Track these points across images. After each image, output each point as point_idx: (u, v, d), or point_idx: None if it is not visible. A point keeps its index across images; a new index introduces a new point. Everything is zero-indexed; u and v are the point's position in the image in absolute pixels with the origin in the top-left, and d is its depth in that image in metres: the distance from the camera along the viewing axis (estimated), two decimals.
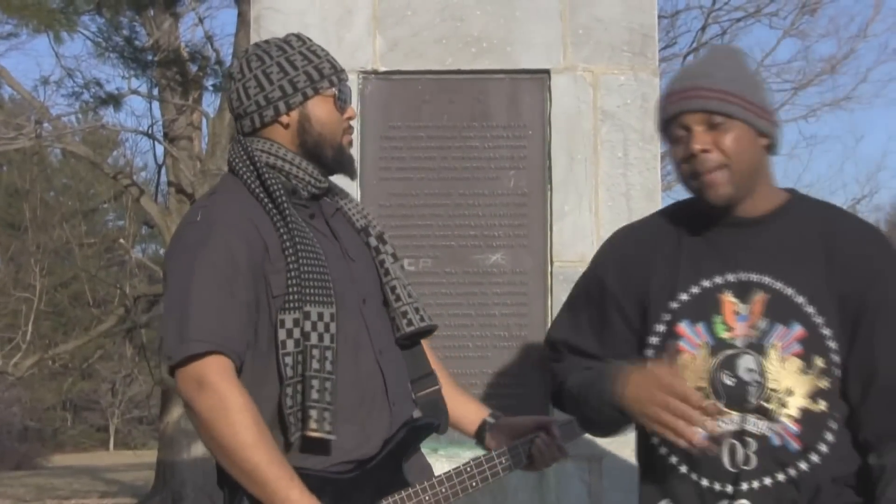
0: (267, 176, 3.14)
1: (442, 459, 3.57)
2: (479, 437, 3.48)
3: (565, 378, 3.15)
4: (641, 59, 4.91)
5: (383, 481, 3.13)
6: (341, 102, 3.24)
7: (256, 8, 5.03)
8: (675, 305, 2.96)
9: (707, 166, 2.87)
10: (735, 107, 2.89)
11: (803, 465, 2.87)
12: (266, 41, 3.24)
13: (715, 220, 2.98)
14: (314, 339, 3.02)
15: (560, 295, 4.79)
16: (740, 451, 2.87)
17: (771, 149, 3.01)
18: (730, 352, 2.90)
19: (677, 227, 3.06)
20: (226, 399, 2.91)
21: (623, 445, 4.53)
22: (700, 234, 3.00)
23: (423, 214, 4.94)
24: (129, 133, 21.28)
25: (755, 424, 2.87)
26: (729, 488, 2.86)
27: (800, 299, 2.89)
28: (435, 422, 3.29)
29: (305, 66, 3.20)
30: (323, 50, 3.26)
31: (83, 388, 32.58)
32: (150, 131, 18.44)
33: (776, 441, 2.87)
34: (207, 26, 15.97)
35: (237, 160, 3.20)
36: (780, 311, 2.89)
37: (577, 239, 4.87)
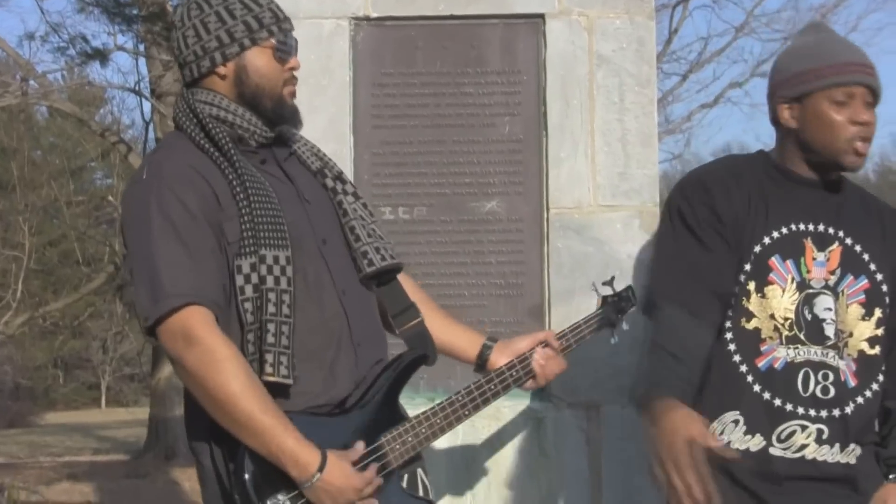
0: (211, 126, 3.10)
1: (420, 408, 3.54)
2: (481, 360, 3.48)
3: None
4: (637, 3, 4.85)
5: (378, 420, 3.13)
6: (281, 53, 3.18)
7: None
8: (767, 240, 3.26)
9: (867, 136, 3.25)
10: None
11: (860, 400, 3.26)
12: None
13: (792, 178, 3.33)
14: (270, 282, 3.00)
15: (556, 242, 4.77)
16: (812, 379, 3.22)
17: None
18: (810, 290, 3.24)
19: (758, 175, 3.35)
20: (214, 350, 2.90)
21: (621, 394, 4.51)
22: (780, 186, 3.32)
23: (417, 162, 4.89)
24: (116, 90, 21.16)
25: (833, 358, 3.23)
26: (800, 410, 3.20)
27: (866, 256, 3.32)
28: (423, 354, 3.30)
29: (245, 14, 3.15)
30: None
31: (74, 347, 32.61)
32: (137, 88, 18.34)
33: (841, 376, 3.24)
34: None
35: (181, 114, 3.16)
36: (851, 263, 3.29)
37: (573, 185, 4.82)
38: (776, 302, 3.25)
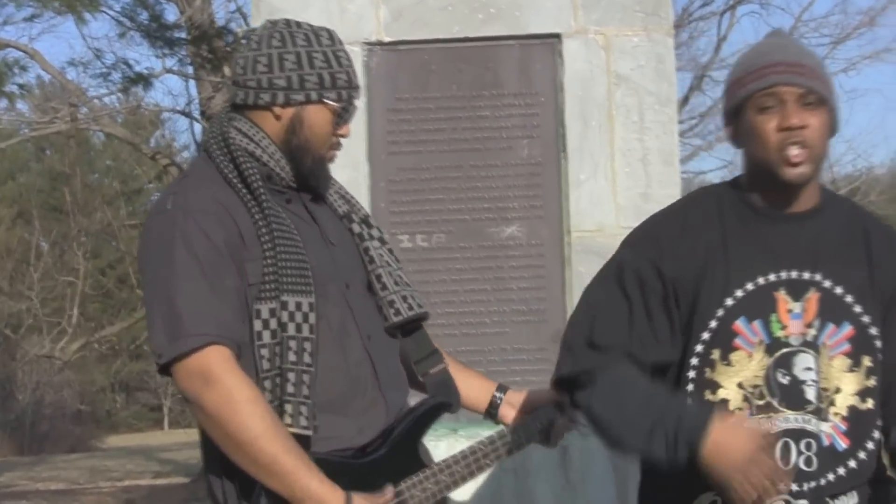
0: (242, 160, 3.01)
1: (462, 440, 3.46)
2: (491, 412, 3.40)
3: (601, 378, 2.93)
4: (655, 20, 4.76)
5: (401, 465, 3.04)
6: (338, 119, 3.09)
7: None
8: (730, 301, 2.88)
9: (798, 142, 2.84)
10: (829, 93, 2.90)
11: (852, 464, 2.90)
12: (298, 24, 3.07)
13: (761, 212, 2.95)
14: (291, 329, 2.90)
15: (578, 266, 4.70)
16: (794, 450, 2.85)
17: None
18: (785, 350, 2.87)
19: (720, 216, 2.98)
20: (233, 391, 2.81)
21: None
22: (746, 226, 2.95)
23: (434, 188, 4.83)
24: (169, 112, 21.31)
25: (814, 424, 2.87)
26: (781, 486, 2.79)
27: (848, 298, 2.90)
28: (447, 401, 3.20)
29: (323, 68, 3.04)
30: (348, 59, 3.08)
31: (133, 369, 32.83)
32: (187, 110, 18.43)
33: (825, 441, 2.87)
34: (240, 1, 15.82)
35: (212, 141, 3.06)
36: (831, 310, 2.89)
37: (593, 207, 4.75)
38: (743, 369, 2.88)
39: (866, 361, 2.90)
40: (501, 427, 3.31)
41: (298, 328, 2.90)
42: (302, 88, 3.02)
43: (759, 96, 2.88)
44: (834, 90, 2.94)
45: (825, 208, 2.98)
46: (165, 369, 2.89)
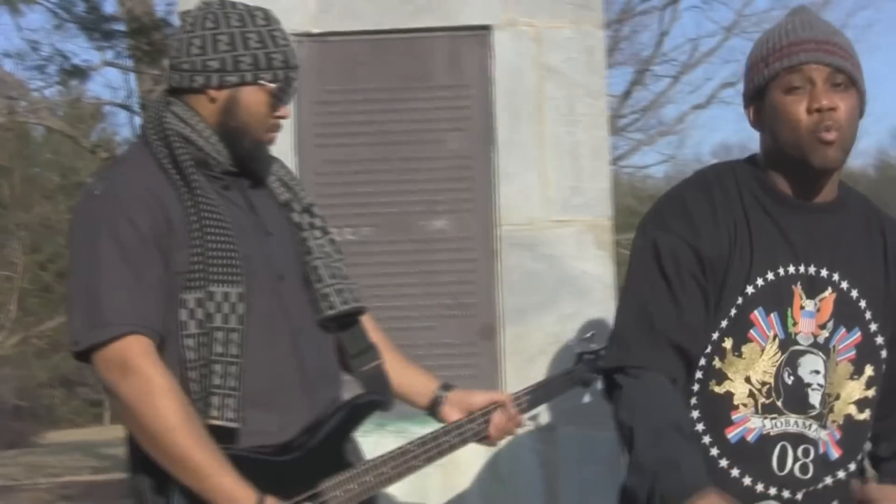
0: (176, 145, 2.94)
1: (389, 436, 3.41)
2: (432, 409, 3.34)
3: (630, 385, 2.74)
4: (585, 12, 4.73)
5: (324, 464, 2.98)
6: (276, 100, 3.02)
7: None
8: (750, 290, 2.73)
9: (831, 124, 2.67)
10: (859, 73, 2.73)
11: (841, 474, 2.78)
12: (233, 4, 3.01)
13: (783, 200, 2.79)
14: (218, 320, 2.85)
15: (508, 260, 4.66)
16: (791, 455, 2.73)
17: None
18: (795, 348, 2.73)
19: (741, 200, 2.81)
20: (151, 382, 2.76)
21: (576, 415, 4.39)
22: (767, 213, 2.78)
23: (363, 181, 4.78)
24: (109, 106, 21.06)
25: (815, 431, 2.75)
26: (772, 490, 2.73)
27: (862, 303, 2.77)
28: (379, 398, 3.14)
29: (258, 48, 2.97)
30: (286, 39, 3.03)
31: (73, 365, 32.35)
32: (127, 103, 18.21)
33: (821, 448, 2.75)
34: None
35: (148, 126, 3.00)
36: (844, 313, 2.75)
37: (523, 201, 4.72)
38: (754, 363, 2.73)
39: (868, 371, 2.78)
40: (437, 426, 3.26)
41: (226, 319, 2.86)
42: (236, 70, 2.96)
43: (785, 75, 2.71)
44: (862, 72, 2.76)
45: (845, 203, 2.82)
46: (83, 356, 2.83)
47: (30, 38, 15.68)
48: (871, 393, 2.78)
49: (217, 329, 2.84)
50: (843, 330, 2.74)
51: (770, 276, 2.73)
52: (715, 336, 2.73)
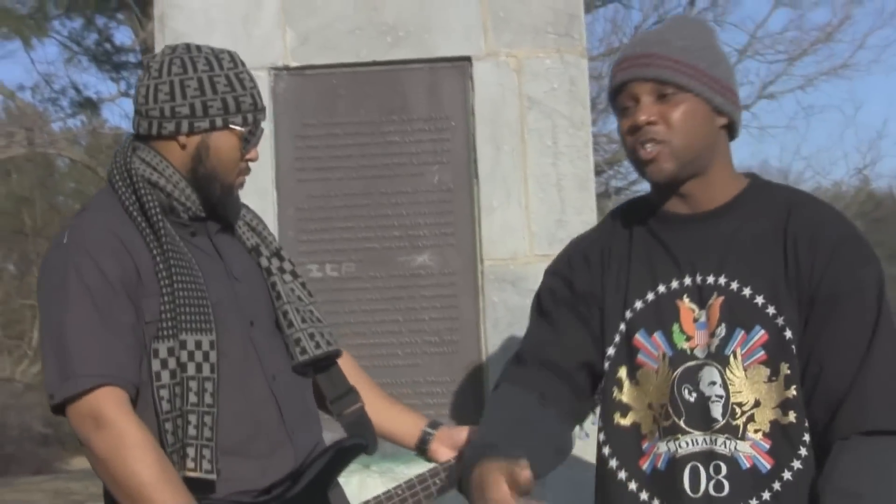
0: (144, 192, 2.89)
1: (374, 475, 3.34)
2: (420, 448, 3.27)
3: (492, 396, 2.92)
4: (567, 41, 4.64)
5: None
6: (245, 143, 2.97)
7: (160, 6, 4.78)
8: (629, 314, 2.71)
9: (648, 139, 2.63)
10: (688, 77, 2.64)
11: (776, 486, 2.59)
12: (198, 48, 2.96)
13: (667, 217, 2.74)
14: (191, 369, 2.79)
15: (492, 295, 4.58)
16: (704, 475, 2.60)
17: (730, 130, 2.75)
18: (690, 363, 2.63)
19: (629, 227, 2.80)
20: (125, 435, 2.71)
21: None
22: (653, 234, 2.75)
23: (343, 216, 4.71)
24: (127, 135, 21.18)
25: (724, 445, 2.60)
26: None
27: (759, 300, 2.62)
28: (363, 442, 3.07)
29: (226, 92, 2.92)
30: (252, 81, 2.99)
31: None
32: None
33: (746, 463, 2.59)
34: None
35: (115, 172, 2.96)
36: (738, 314, 2.62)
37: (507, 235, 4.63)
38: (650, 387, 2.67)
39: (785, 369, 2.59)
40: (422, 465, 3.18)
41: (199, 368, 2.80)
42: (206, 115, 2.91)
43: (618, 99, 2.71)
44: (708, 71, 2.66)
45: (745, 203, 2.72)
46: (59, 409, 2.78)
47: (45, 72, 15.80)
48: (792, 393, 2.58)
49: (191, 378, 2.80)
50: (741, 332, 2.61)
51: (650, 296, 2.70)
52: (607, 366, 2.72)
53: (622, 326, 2.71)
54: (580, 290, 2.78)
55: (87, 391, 2.71)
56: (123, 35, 15.18)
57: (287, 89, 4.71)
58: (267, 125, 4.59)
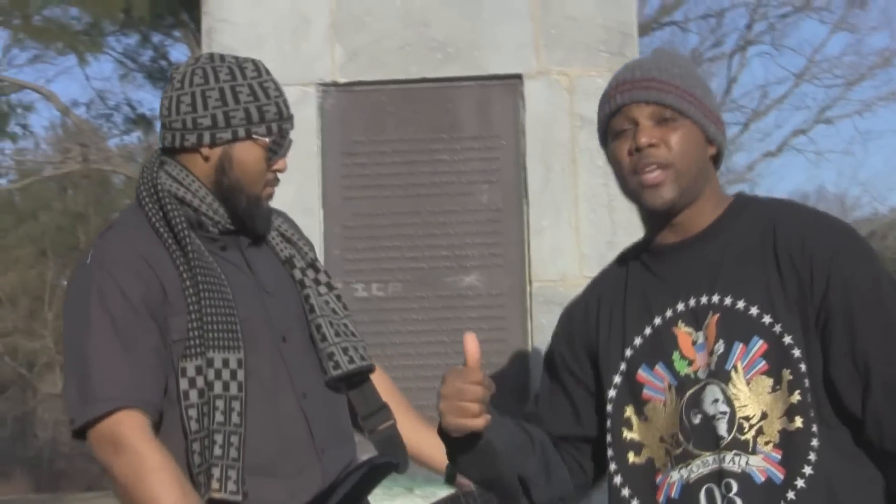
0: (170, 207, 2.84)
1: (418, 500, 3.26)
2: (450, 474, 3.20)
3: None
4: (620, 60, 4.55)
5: None
6: (271, 154, 2.91)
7: (208, 21, 4.76)
8: (629, 353, 2.68)
9: (652, 162, 2.59)
10: (688, 104, 2.62)
11: (791, 494, 2.52)
12: (221, 57, 2.92)
13: (658, 249, 2.71)
14: (218, 388, 2.75)
15: (540, 318, 4.52)
16: (718, 495, 2.54)
17: (717, 160, 2.74)
18: (694, 388, 2.59)
19: (624, 269, 2.79)
20: (143, 460, 2.67)
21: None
22: (646, 268, 2.73)
23: (390, 235, 4.67)
24: None
25: (734, 461, 2.55)
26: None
27: (753, 311, 2.57)
28: (393, 460, 3.01)
29: (249, 102, 2.87)
30: (278, 90, 2.93)
31: None
32: None
33: (759, 477, 2.53)
34: None
35: (142, 187, 2.92)
36: (734, 328, 2.58)
37: (556, 256, 4.58)
38: (660, 420, 2.66)
39: (787, 375, 2.55)
40: (457, 492, 3.12)
41: (226, 386, 2.76)
42: (228, 126, 2.86)
43: (613, 122, 2.67)
44: (703, 101, 2.67)
45: (730, 221, 2.70)
46: (80, 434, 2.74)
47: (100, 88, 15.95)
48: (796, 398, 2.53)
49: (217, 397, 2.75)
50: (739, 346, 2.56)
51: (648, 330, 2.68)
52: (610, 408, 2.70)
53: (623, 366, 2.69)
54: (580, 344, 2.79)
55: (106, 415, 2.69)
56: (179, 52, 15.26)
57: (335, 105, 4.67)
58: (314, 142, 4.59)
